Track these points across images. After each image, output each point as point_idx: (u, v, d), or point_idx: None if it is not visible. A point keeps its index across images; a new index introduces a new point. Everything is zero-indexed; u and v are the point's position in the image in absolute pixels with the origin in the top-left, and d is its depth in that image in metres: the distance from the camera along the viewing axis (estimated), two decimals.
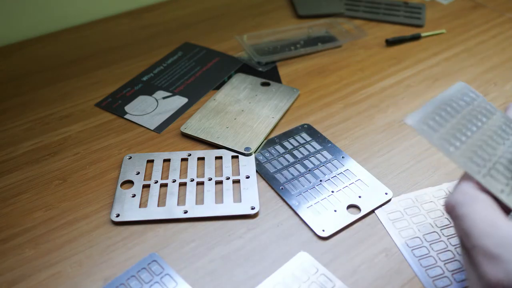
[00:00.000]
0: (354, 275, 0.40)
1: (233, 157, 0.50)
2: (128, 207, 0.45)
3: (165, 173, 0.49)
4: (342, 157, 0.50)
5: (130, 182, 0.48)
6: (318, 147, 0.52)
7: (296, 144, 0.52)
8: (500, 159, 0.33)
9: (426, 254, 0.41)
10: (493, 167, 0.32)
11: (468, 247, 0.29)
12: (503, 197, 0.30)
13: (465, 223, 0.28)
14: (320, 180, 0.48)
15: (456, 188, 0.31)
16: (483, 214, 0.28)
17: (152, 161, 0.50)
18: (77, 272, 0.40)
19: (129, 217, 0.44)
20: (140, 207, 0.45)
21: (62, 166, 0.50)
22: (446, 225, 0.43)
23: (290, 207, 0.45)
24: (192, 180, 0.48)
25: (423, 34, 0.71)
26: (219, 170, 0.49)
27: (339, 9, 0.78)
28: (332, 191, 0.46)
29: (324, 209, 0.45)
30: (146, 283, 0.39)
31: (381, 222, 0.44)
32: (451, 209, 0.30)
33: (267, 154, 0.51)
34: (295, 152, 0.51)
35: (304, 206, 0.45)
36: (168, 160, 0.50)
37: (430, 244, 0.42)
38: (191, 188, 0.47)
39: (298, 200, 0.46)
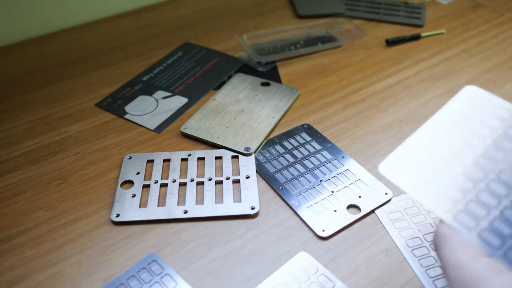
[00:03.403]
0: (354, 275, 0.40)
1: (233, 157, 0.50)
2: (128, 207, 0.45)
3: (165, 173, 0.49)
4: (342, 157, 0.50)
5: (130, 182, 0.48)
6: (318, 147, 0.52)
7: (296, 144, 0.52)
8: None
9: (426, 254, 0.41)
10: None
11: None
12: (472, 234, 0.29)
13: (442, 264, 0.29)
14: (320, 180, 0.48)
15: (436, 229, 0.31)
16: (450, 256, 0.29)
17: (152, 161, 0.50)
18: (77, 272, 0.40)
19: (129, 217, 0.44)
20: (140, 207, 0.45)
21: (62, 166, 0.50)
22: None
23: (290, 207, 0.45)
24: (192, 180, 0.48)
25: (423, 34, 0.71)
26: (219, 170, 0.49)
27: (339, 9, 0.78)
28: (332, 191, 0.46)
29: (324, 209, 0.45)
30: (146, 283, 0.39)
31: (381, 222, 0.44)
32: (436, 250, 0.31)
33: (267, 154, 0.51)
34: (295, 152, 0.51)
35: (304, 206, 0.45)
36: (168, 160, 0.50)
37: (430, 244, 0.42)
38: (191, 188, 0.47)
39: (298, 200, 0.46)
